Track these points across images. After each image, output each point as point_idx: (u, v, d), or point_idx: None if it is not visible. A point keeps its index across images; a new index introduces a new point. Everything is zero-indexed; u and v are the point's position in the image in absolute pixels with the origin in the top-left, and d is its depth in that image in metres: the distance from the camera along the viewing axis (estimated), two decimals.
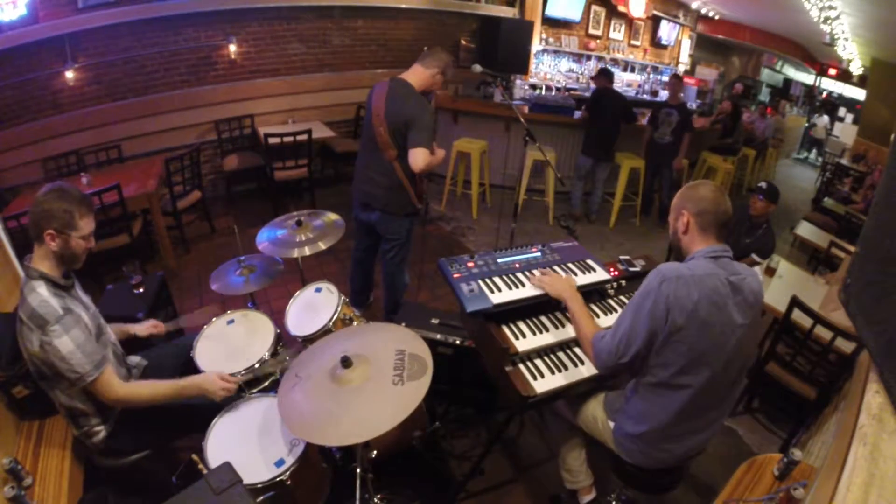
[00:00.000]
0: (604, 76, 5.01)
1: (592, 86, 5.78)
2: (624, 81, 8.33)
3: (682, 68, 9.19)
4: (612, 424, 1.64)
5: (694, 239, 1.46)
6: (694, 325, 1.31)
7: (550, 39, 7.45)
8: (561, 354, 1.79)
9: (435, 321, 2.37)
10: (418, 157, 2.33)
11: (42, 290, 1.49)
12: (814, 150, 11.94)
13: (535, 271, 1.90)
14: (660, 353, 1.38)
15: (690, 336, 1.33)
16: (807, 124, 11.97)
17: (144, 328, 2.01)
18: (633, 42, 8.43)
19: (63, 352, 1.45)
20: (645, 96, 8.23)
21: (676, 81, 5.11)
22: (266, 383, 1.96)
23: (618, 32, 8.17)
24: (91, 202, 1.61)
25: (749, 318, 1.39)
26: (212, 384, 1.67)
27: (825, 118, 11.69)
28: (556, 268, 1.98)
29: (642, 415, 1.50)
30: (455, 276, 1.84)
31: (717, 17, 8.77)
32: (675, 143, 4.93)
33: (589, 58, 7.96)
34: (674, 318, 1.32)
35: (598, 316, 1.90)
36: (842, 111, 12.17)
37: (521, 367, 1.70)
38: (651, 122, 5.08)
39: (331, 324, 2.05)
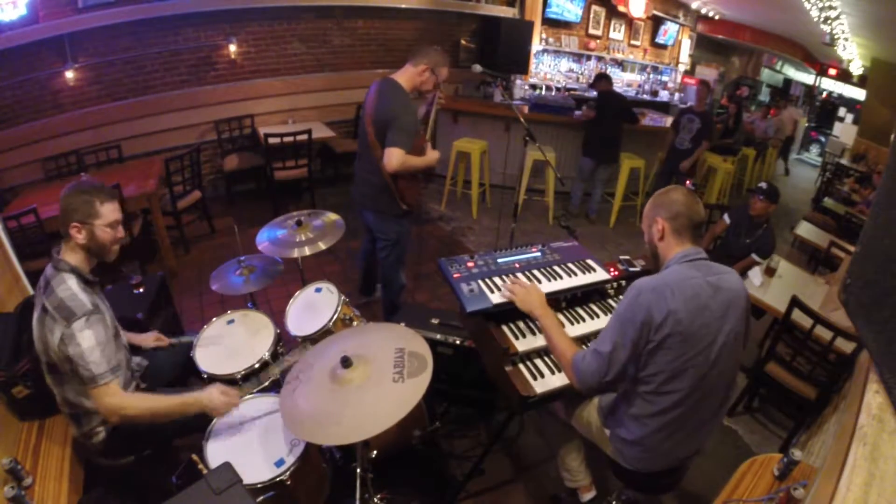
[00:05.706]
0: (603, 80, 5.03)
1: (592, 89, 5.75)
2: (624, 81, 8.33)
3: (682, 68, 9.19)
4: (607, 432, 1.63)
5: (670, 244, 1.48)
6: (677, 332, 1.31)
7: (550, 39, 7.45)
8: None
9: (435, 321, 2.37)
10: (392, 157, 2.30)
11: (72, 283, 1.50)
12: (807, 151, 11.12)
13: (511, 276, 1.85)
14: (648, 363, 1.38)
15: (676, 343, 1.33)
16: (807, 123, 11.22)
17: (149, 340, 2.02)
18: (633, 42, 8.43)
19: (83, 347, 1.45)
20: (645, 96, 8.24)
21: (704, 88, 5.00)
22: (266, 383, 1.96)
23: (618, 32, 8.16)
24: (112, 191, 1.61)
25: (733, 316, 1.38)
26: (213, 400, 1.60)
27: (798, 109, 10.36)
28: (556, 268, 1.98)
29: (636, 422, 1.49)
30: (455, 276, 1.85)
31: (717, 17, 8.77)
32: (693, 150, 4.84)
33: (589, 58, 7.96)
34: (655, 329, 1.32)
35: (597, 316, 1.90)
36: (842, 111, 12.06)
37: (521, 366, 1.70)
38: (673, 126, 5.02)
39: (331, 324, 2.05)
